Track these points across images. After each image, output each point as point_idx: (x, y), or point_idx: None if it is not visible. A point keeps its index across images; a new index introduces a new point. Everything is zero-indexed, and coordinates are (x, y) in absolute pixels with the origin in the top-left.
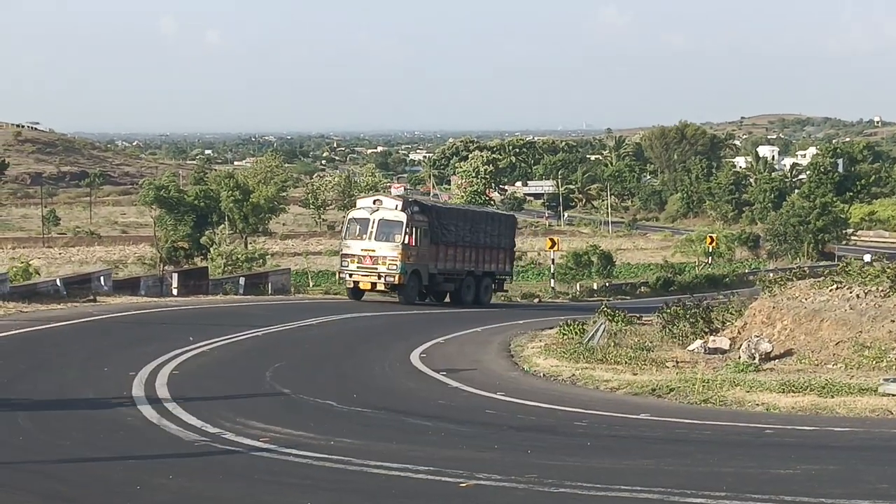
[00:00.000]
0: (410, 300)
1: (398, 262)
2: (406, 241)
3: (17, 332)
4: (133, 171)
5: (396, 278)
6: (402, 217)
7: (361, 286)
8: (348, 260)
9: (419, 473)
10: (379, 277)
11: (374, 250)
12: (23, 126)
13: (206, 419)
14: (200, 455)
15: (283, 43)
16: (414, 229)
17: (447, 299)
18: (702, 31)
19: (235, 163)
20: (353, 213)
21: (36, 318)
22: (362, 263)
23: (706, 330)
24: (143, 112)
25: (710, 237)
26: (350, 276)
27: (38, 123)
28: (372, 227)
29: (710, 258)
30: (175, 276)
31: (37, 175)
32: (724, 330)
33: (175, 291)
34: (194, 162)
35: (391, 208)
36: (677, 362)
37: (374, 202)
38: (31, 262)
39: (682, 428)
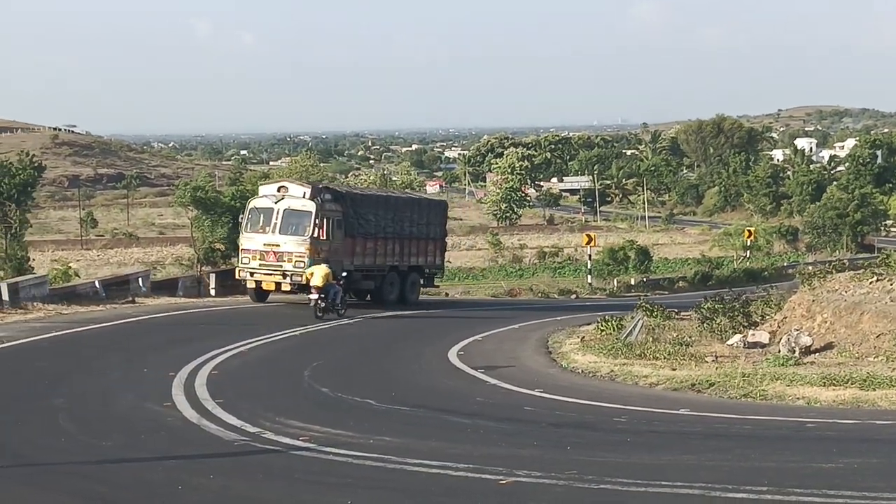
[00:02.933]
0: None
1: (306, 259)
2: (315, 235)
3: (57, 333)
4: (169, 172)
5: (304, 277)
6: (311, 206)
7: (264, 286)
8: (248, 256)
9: (459, 471)
10: (284, 276)
11: (278, 245)
12: (60, 129)
13: (246, 419)
14: (240, 454)
15: (318, 43)
16: (325, 220)
17: (367, 297)
18: (738, 23)
19: (271, 163)
20: (255, 202)
21: (76, 319)
22: (265, 260)
23: (745, 324)
24: (179, 113)
25: (749, 231)
26: (251, 274)
27: (74, 126)
28: (276, 219)
29: (748, 252)
30: (212, 276)
31: (74, 178)
32: (763, 324)
33: (213, 292)
34: (230, 162)
35: (298, 196)
36: (716, 357)
37: (279, 189)
38: (70, 265)
39: (722, 423)
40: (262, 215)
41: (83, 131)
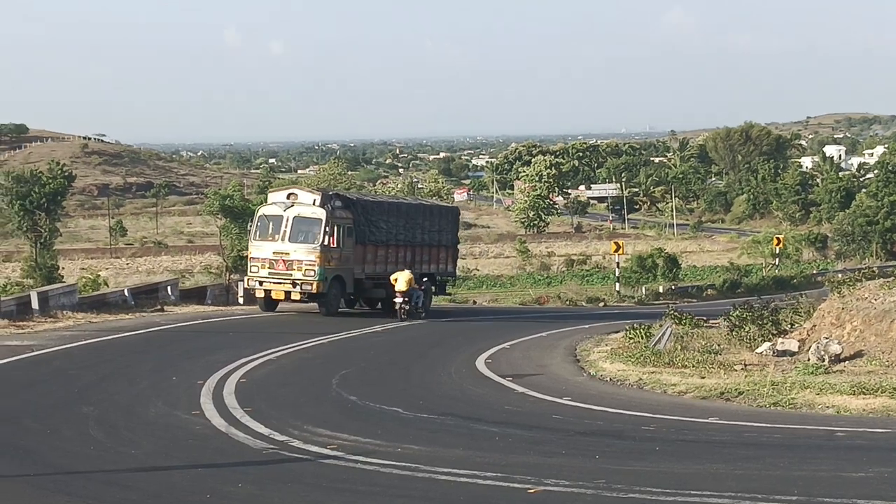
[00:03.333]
0: (332, 311)
1: (316, 267)
2: (325, 242)
3: (87, 342)
4: (198, 180)
5: (314, 286)
6: (321, 214)
7: (274, 295)
8: (258, 264)
9: (487, 479)
10: (294, 285)
11: (287, 253)
12: (90, 138)
13: (274, 427)
14: (269, 463)
15: (346, 51)
16: (335, 228)
17: (378, 305)
18: (767, 30)
19: (299, 171)
20: (264, 210)
21: (105, 328)
22: (274, 268)
23: (774, 332)
24: (208, 122)
25: (777, 238)
26: (260, 283)
27: (104, 135)
28: (285, 226)
29: (777, 259)
30: (241, 284)
31: (104, 186)
32: (792, 332)
33: (241, 300)
34: (258, 171)
35: (308, 203)
36: (746, 365)
37: (289, 196)
38: (99, 273)
39: (751, 431)
40: (271, 223)
41: (113, 140)
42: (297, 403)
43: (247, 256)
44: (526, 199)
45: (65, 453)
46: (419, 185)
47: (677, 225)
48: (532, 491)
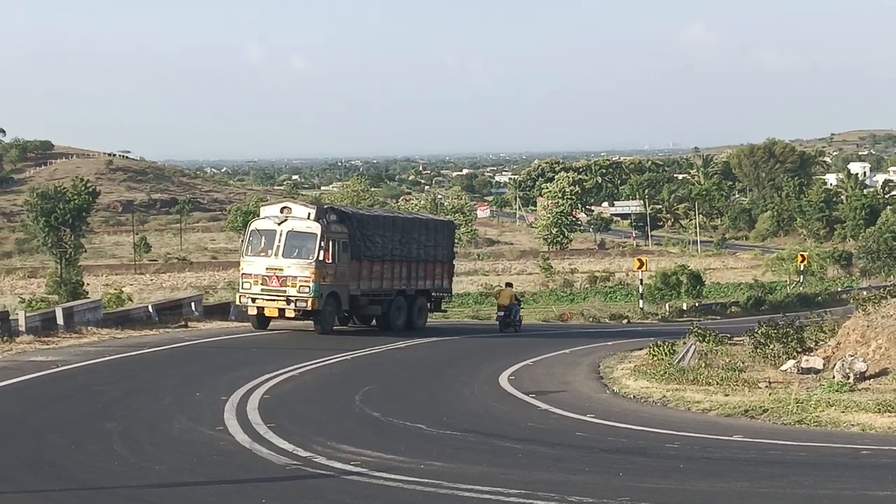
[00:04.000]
0: (327, 329)
1: (311, 284)
2: (321, 258)
3: (111, 357)
4: (222, 197)
5: (309, 303)
6: (316, 228)
7: (267, 313)
8: (250, 281)
9: (511, 497)
10: (288, 302)
11: (281, 269)
12: (114, 155)
13: (298, 443)
14: (292, 479)
15: (369, 67)
16: (330, 243)
17: (373, 322)
18: (791, 47)
19: (322, 187)
20: (257, 224)
21: (129, 343)
22: (267, 285)
23: (799, 350)
24: (232, 139)
25: (802, 255)
26: (253, 300)
27: (129, 152)
28: (279, 241)
29: (801, 277)
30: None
31: (128, 203)
32: (817, 349)
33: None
34: (282, 187)
35: (302, 217)
36: (770, 383)
37: (282, 210)
38: (123, 289)
39: (776, 449)
40: (263, 237)
41: (137, 157)
42: (320, 419)
43: (239, 273)
44: (549, 215)
45: (89, 469)
46: (442, 202)
47: (701, 242)
48: None
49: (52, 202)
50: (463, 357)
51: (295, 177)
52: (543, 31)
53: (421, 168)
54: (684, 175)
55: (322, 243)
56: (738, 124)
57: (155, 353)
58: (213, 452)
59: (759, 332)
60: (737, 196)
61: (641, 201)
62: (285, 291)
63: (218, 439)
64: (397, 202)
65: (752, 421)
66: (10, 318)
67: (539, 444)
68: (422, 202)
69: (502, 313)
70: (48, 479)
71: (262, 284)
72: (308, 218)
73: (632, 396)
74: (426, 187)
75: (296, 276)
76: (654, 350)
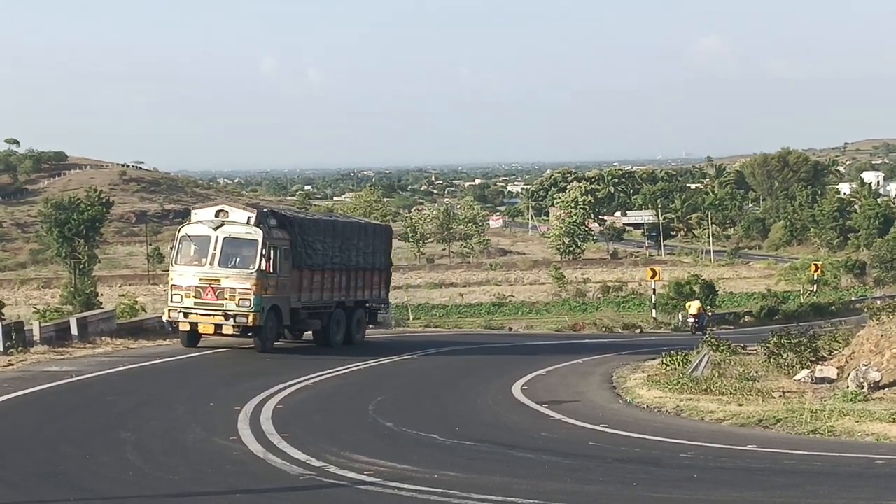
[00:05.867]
0: (268, 347)
1: (251, 297)
2: (262, 267)
3: (125, 368)
4: None
5: (250, 318)
6: (257, 234)
7: (201, 329)
8: (181, 293)
9: None
10: (226, 318)
11: (218, 280)
12: (128, 165)
13: (311, 453)
14: (306, 489)
15: (381, 78)
16: (272, 251)
17: (303, 337)
18: (804, 56)
19: (335, 198)
20: (187, 229)
21: (143, 354)
22: (201, 298)
23: (813, 359)
24: (245, 149)
25: (815, 265)
26: (185, 315)
27: (142, 163)
28: (214, 248)
29: (815, 286)
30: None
31: (141, 213)
32: (831, 359)
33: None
34: (294, 198)
35: (241, 222)
36: (784, 392)
37: (218, 213)
38: (137, 299)
39: (790, 459)
40: (194, 245)
41: (150, 167)
42: (333, 429)
43: (169, 284)
44: (561, 225)
45: (103, 479)
46: (454, 212)
47: (714, 251)
48: None
49: (66, 213)
50: (475, 367)
51: (307, 187)
52: (556, 41)
53: (433, 178)
54: (697, 184)
55: (264, 251)
56: (752, 134)
57: (168, 364)
58: (226, 462)
59: (773, 341)
60: (750, 205)
61: (654, 211)
62: (223, 305)
63: (231, 449)
64: (410, 212)
65: (766, 431)
66: (25, 328)
67: (552, 454)
68: (434, 212)
69: (693, 320)
70: (62, 489)
71: (195, 297)
72: (248, 223)
73: (645, 406)
74: (438, 197)
75: (234, 288)
76: (667, 360)
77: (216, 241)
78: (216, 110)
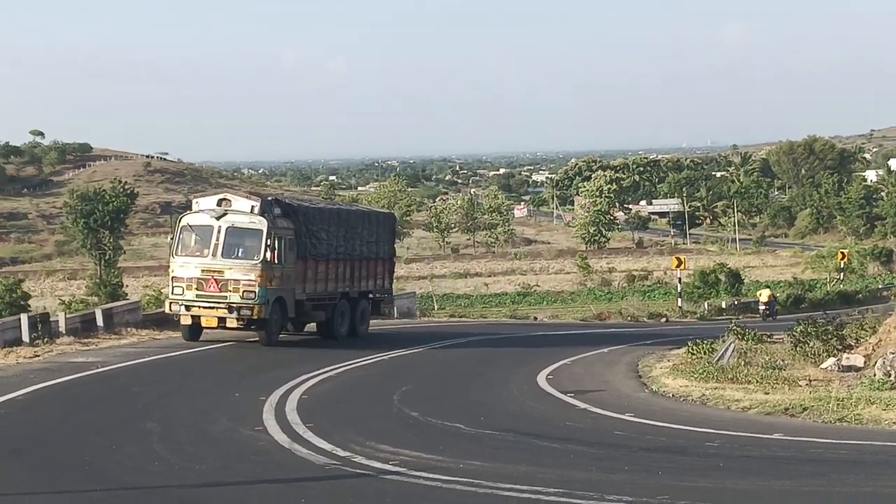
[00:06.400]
0: (273, 340)
1: (256, 288)
2: (267, 258)
3: (150, 358)
4: None
5: (255, 311)
6: (262, 224)
7: (204, 322)
8: (182, 285)
9: (550, 496)
10: (230, 310)
11: (221, 271)
12: (152, 157)
13: (336, 443)
14: (331, 478)
15: (405, 68)
16: (277, 241)
17: (305, 329)
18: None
19: (359, 188)
20: (189, 219)
21: (168, 344)
22: (204, 290)
23: (839, 347)
24: (269, 140)
25: (842, 253)
26: (187, 308)
27: (167, 154)
28: (217, 238)
29: (841, 274)
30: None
31: (166, 204)
32: (857, 347)
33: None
34: (319, 188)
35: (245, 211)
36: (810, 381)
37: (220, 202)
38: (162, 290)
39: (817, 447)
40: (196, 234)
41: (175, 158)
42: (358, 419)
43: (170, 276)
44: (586, 214)
45: (129, 469)
46: (479, 201)
47: (740, 240)
48: None
49: (91, 204)
50: (500, 357)
51: (332, 177)
52: (581, 30)
53: (457, 168)
54: (723, 173)
55: (268, 241)
56: (777, 121)
57: (194, 354)
58: (252, 452)
59: (799, 330)
60: (776, 193)
61: (679, 199)
62: (226, 297)
63: (257, 439)
64: (435, 202)
65: (793, 419)
66: (51, 319)
67: (578, 444)
68: (459, 202)
69: (764, 307)
70: (89, 479)
71: (197, 289)
72: (251, 212)
73: (671, 395)
74: (463, 187)
75: (239, 280)
76: (692, 349)
77: (219, 231)
78: (240, 101)
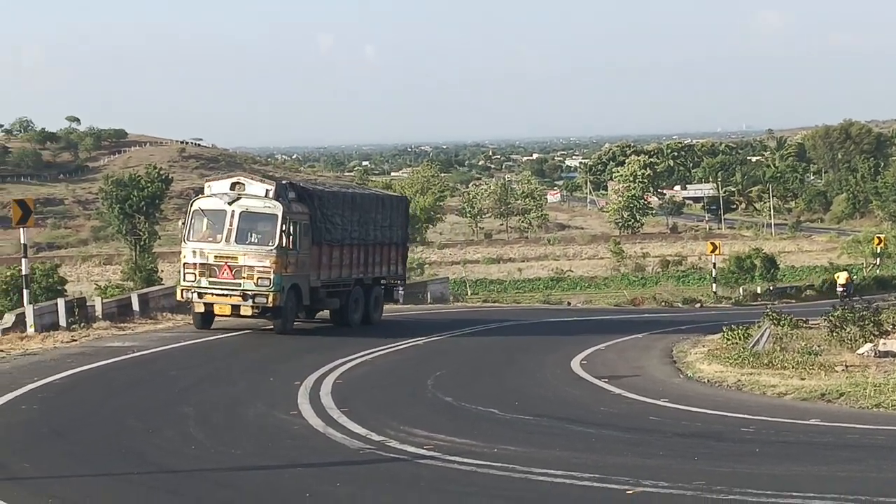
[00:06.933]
0: (288, 328)
1: (271, 275)
2: (283, 244)
3: (186, 343)
4: None
5: (270, 298)
6: (277, 208)
7: (217, 310)
8: (194, 271)
9: (584, 480)
10: (244, 298)
11: (235, 257)
12: (187, 142)
13: (371, 427)
14: (366, 463)
15: (438, 53)
16: (292, 226)
17: (316, 316)
18: (865, 27)
19: (392, 173)
20: (201, 203)
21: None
22: (217, 276)
23: (876, 333)
24: (302, 126)
25: (878, 237)
26: (199, 295)
27: (201, 139)
28: (230, 223)
29: (878, 259)
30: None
31: (200, 190)
32: (894, 333)
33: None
34: (352, 174)
35: (259, 195)
36: (847, 366)
37: (233, 186)
38: None
39: (853, 433)
40: (208, 219)
41: (209, 144)
42: (392, 404)
43: (181, 262)
44: (620, 199)
45: (166, 453)
46: (512, 187)
47: (775, 225)
48: (630, 492)
49: (127, 190)
50: (534, 342)
51: (365, 163)
52: (614, 14)
53: (490, 153)
54: (758, 157)
55: (283, 226)
56: (813, 105)
57: (229, 339)
58: (287, 437)
59: (835, 315)
60: (811, 178)
61: (714, 184)
62: (240, 285)
63: (292, 423)
64: (468, 187)
65: (829, 405)
66: (87, 304)
67: (612, 429)
68: (492, 187)
69: (841, 289)
70: (128, 462)
71: (209, 276)
72: (266, 196)
73: (706, 381)
74: (496, 172)
75: (253, 266)
76: (728, 334)
77: (232, 216)
78: (274, 87)
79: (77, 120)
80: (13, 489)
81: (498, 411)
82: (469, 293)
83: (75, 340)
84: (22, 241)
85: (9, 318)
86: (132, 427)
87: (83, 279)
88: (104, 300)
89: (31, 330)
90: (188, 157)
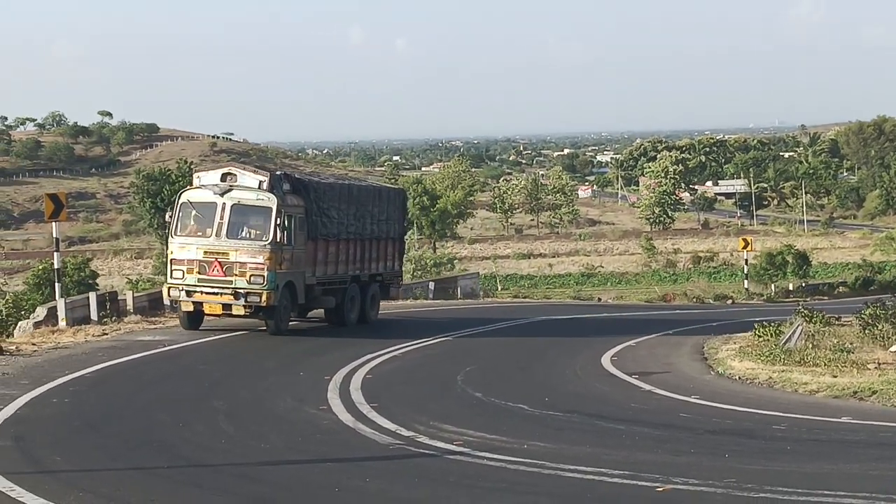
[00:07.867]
0: (282, 328)
1: (265, 272)
2: (277, 239)
3: (216, 337)
4: None
5: (264, 297)
6: (271, 201)
7: (207, 310)
8: (182, 268)
9: (614, 477)
10: (236, 297)
11: (226, 253)
12: (218, 137)
13: (400, 422)
14: (395, 458)
15: (469, 48)
16: (287, 220)
17: (309, 315)
18: None
19: (423, 168)
20: (189, 195)
21: (233, 324)
22: (206, 274)
23: None
24: (333, 120)
25: None
26: (188, 294)
27: (232, 134)
28: (221, 217)
29: None
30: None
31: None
32: None
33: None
34: (383, 168)
35: (252, 187)
36: (879, 364)
37: (224, 177)
38: None
39: (886, 431)
40: (196, 212)
41: (240, 139)
42: (422, 399)
43: (169, 258)
44: (651, 195)
45: (196, 446)
46: (543, 182)
47: (808, 221)
48: (660, 489)
49: (158, 184)
50: (564, 338)
51: (396, 157)
52: (646, 9)
53: (521, 148)
54: (790, 153)
55: (278, 220)
56: (847, 101)
57: (259, 333)
58: (317, 431)
59: (868, 312)
60: (844, 174)
61: (746, 180)
62: (232, 282)
63: (322, 418)
64: (498, 182)
65: (861, 403)
66: (118, 298)
67: (643, 425)
68: (522, 183)
69: None
70: (158, 456)
71: (199, 273)
72: (259, 188)
73: (737, 378)
74: (527, 167)
75: (245, 263)
76: (759, 331)
77: (223, 209)
78: (305, 81)
79: (109, 114)
80: (45, 482)
81: (528, 407)
82: (499, 288)
83: (106, 334)
84: (54, 235)
85: (41, 312)
86: (163, 421)
87: (114, 273)
88: (135, 294)
89: (62, 323)
90: (219, 152)
